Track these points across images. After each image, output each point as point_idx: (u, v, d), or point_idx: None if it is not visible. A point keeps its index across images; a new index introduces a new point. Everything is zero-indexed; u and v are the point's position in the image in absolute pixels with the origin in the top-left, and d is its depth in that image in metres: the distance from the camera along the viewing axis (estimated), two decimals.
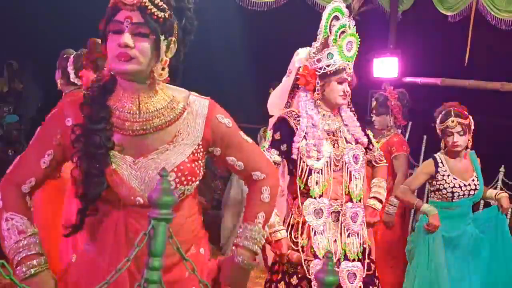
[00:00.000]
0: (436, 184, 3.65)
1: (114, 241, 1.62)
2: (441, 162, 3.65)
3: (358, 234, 2.79)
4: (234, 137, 1.78)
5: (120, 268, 1.23)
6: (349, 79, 2.77)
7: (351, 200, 2.79)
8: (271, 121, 2.99)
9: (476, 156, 3.73)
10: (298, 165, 2.73)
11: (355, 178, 2.80)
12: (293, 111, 2.82)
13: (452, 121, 3.58)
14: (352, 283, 2.75)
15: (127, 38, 1.55)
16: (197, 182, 1.70)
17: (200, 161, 1.70)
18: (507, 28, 5.57)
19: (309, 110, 2.79)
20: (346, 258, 2.76)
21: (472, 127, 3.66)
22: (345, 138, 2.84)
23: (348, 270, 2.76)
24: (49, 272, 1.64)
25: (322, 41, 2.76)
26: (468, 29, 5.59)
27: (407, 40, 7.27)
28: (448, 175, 3.62)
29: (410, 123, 5.69)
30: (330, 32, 2.74)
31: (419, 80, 6.54)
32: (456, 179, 3.61)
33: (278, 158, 2.76)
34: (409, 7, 6.65)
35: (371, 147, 2.98)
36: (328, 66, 2.73)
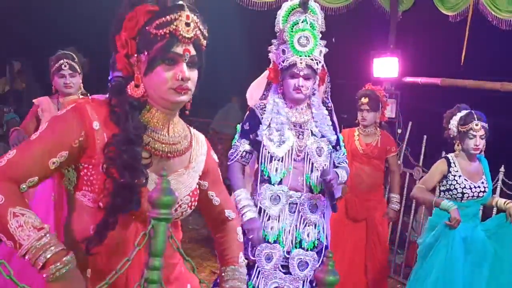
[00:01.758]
0: (447, 184, 3.69)
1: (134, 256, 1.59)
2: (453, 163, 3.69)
3: (315, 225, 2.89)
4: (217, 174, 1.90)
5: (120, 268, 1.23)
6: (302, 74, 2.82)
7: (311, 191, 2.88)
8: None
9: (486, 160, 3.76)
10: (261, 152, 2.86)
11: (317, 169, 2.87)
12: (263, 103, 2.97)
13: (477, 125, 3.60)
14: (303, 271, 2.86)
15: (187, 72, 1.59)
16: None
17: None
18: (508, 28, 5.56)
19: (275, 98, 2.93)
20: (300, 246, 2.86)
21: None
22: (311, 131, 2.91)
23: (300, 259, 2.87)
24: (77, 267, 1.52)
25: (279, 38, 2.90)
26: (466, 28, 5.58)
27: (407, 40, 7.27)
28: (460, 176, 3.66)
29: (410, 123, 5.69)
30: (284, 29, 2.86)
31: (419, 80, 6.54)
32: (466, 181, 3.65)
33: (248, 147, 2.91)
34: (409, 7, 6.64)
35: (338, 148, 3.05)
36: (282, 61, 2.86)
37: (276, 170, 2.83)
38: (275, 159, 2.83)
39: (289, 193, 2.86)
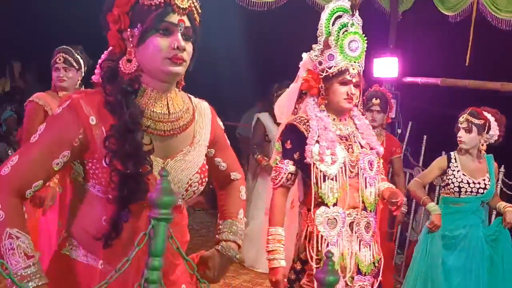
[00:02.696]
0: (446, 179, 3.74)
1: None
2: (454, 159, 3.74)
3: (370, 246, 2.63)
4: (224, 139, 1.87)
5: (120, 268, 1.23)
6: (354, 80, 2.59)
7: (365, 208, 2.62)
8: (279, 129, 2.84)
9: (493, 161, 3.78)
10: (312, 171, 2.55)
11: (370, 185, 2.63)
12: (302, 117, 2.66)
13: (462, 117, 3.68)
14: None
15: (183, 41, 1.57)
16: None
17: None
18: (508, 28, 5.56)
19: (317, 113, 2.63)
20: (359, 272, 2.60)
21: (492, 132, 3.71)
22: (359, 143, 2.67)
23: (361, 286, 2.61)
24: None
25: (324, 42, 2.64)
26: (469, 29, 5.59)
27: (407, 40, 7.26)
28: (458, 171, 3.69)
29: (410, 123, 5.69)
30: (331, 33, 2.62)
31: (419, 80, 6.53)
32: (465, 175, 3.68)
33: (293, 169, 2.62)
34: (409, 7, 6.63)
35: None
36: (329, 68, 2.59)
37: (331, 190, 2.55)
38: (328, 178, 2.54)
39: (347, 213, 2.58)
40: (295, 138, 2.62)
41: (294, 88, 2.85)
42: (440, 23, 6.48)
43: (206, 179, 1.72)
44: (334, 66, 2.59)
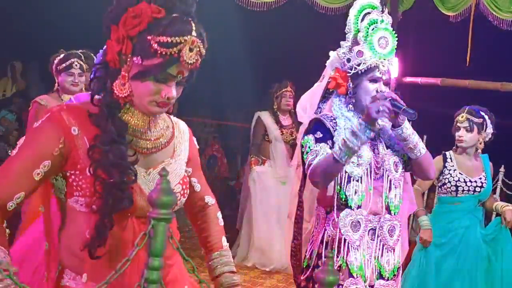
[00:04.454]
0: (443, 178, 3.72)
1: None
2: (450, 158, 3.73)
3: (394, 250, 2.53)
4: (198, 160, 1.88)
5: (120, 268, 1.23)
6: (384, 77, 2.49)
7: (389, 212, 2.51)
8: (301, 129, 2.71)
9: (489, 160, 3.78)
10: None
11: (395, 187, 2.52)
12: (327, 114, 2.54)
13: (462, 116, 3.67)
14: None
15: (174, 92, 1.57)
16: None
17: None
18: (508, 28, 5.56)
19: (344, 112, 2.52)
20: (381, 276, 2.50)
21: (488, 130, 3.71)
22: (384, 143, 2.56)
23: None
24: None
25: (352, 39, 2.55)
26: (469, 29, 5.59)
27: (407, 40, 7.26)
28: (454, 170, 3.69)
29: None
30: (359, 29, 2.52)
31: (419, 80, 6.54)
32: (461, 174, 3.68)
33: (330, 151, 2.41)
34: (409, 7, 6.64)
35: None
36: (358, 65, 2.48)
37: (356, 192, 2.43)
38: (353, 180, 2.44)
39: (369, 218, 2.47)
40: (323, 131, 2.49)
41: (318, 87, 2.74)
42: (440, 23, 6.48)
43: (188, 191, 1.73)
44: (363, 63, 2.48)
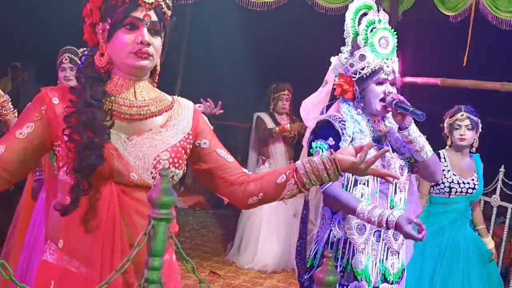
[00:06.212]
0: None
1: (108, 218, 1.60)
2: (444, 158, 3.72)
3: (398, 254, 2.53)
4: (213, 134, 1.85)
5: (120, 268, 1.23)
6: (390, 78, 2.50)
7: None
8: (308, 132, 2.68)
9: (480, 160, 3.78)
10: (344, 175, 2.40)
11: (400, 191, 2.51)
12: (336, 115, 2.51)
13: (462, 115, 3.68)
14: None
15: (148, 36, 1.62)
16: (183, 170, 1.73)
17: (188, 151, 1.75)
18: (508, 28, 5.56)
19: (354, 115, 2.49)
20: (385, 280, 2.49)
21: (480, 129, 3.71)
22: (391, 146, 2.56)
23: None
24: None
25: (352, 43, 2.52)
26: (469, 29, 5.58)
27: (407, 40, 7.26)
28: (448, 171, 3.68)
29: None
30: (358, 32, 2.50)
31: (419, 80, 6.54)
32: (455, 175, 3.67)
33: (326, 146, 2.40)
34: (409, 7, 6.63)
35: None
36: (362, 69, 2.46)
37: (362, 195, 2.41)
38: (360, 183, 2.42)
39: None
40: (333, 135, 2.45)
41: (322, 91, 2.71)
42: (440, 23, 6.48)
43: (182, 162, 1.70)
44: (367, 67, 2.46)
